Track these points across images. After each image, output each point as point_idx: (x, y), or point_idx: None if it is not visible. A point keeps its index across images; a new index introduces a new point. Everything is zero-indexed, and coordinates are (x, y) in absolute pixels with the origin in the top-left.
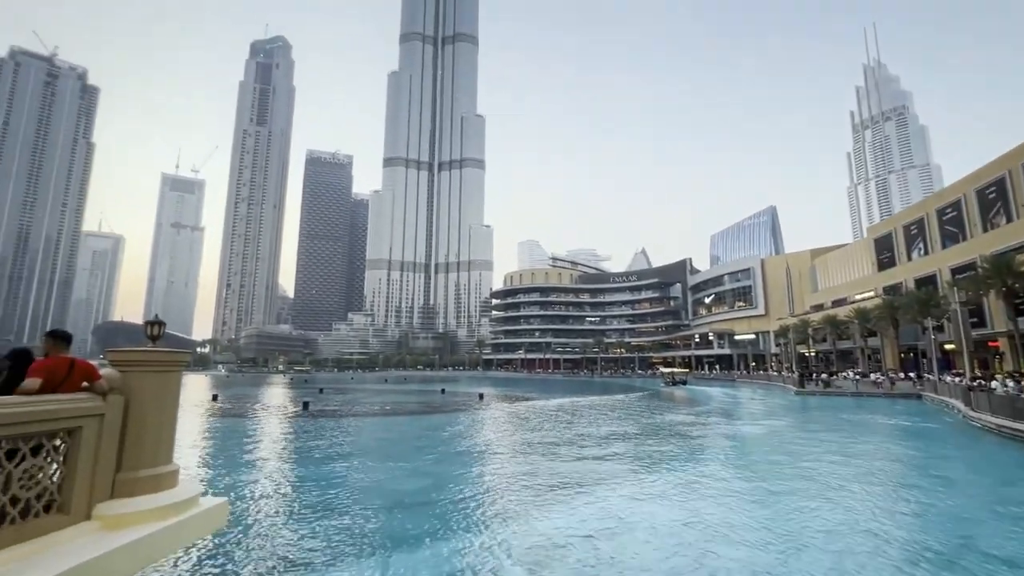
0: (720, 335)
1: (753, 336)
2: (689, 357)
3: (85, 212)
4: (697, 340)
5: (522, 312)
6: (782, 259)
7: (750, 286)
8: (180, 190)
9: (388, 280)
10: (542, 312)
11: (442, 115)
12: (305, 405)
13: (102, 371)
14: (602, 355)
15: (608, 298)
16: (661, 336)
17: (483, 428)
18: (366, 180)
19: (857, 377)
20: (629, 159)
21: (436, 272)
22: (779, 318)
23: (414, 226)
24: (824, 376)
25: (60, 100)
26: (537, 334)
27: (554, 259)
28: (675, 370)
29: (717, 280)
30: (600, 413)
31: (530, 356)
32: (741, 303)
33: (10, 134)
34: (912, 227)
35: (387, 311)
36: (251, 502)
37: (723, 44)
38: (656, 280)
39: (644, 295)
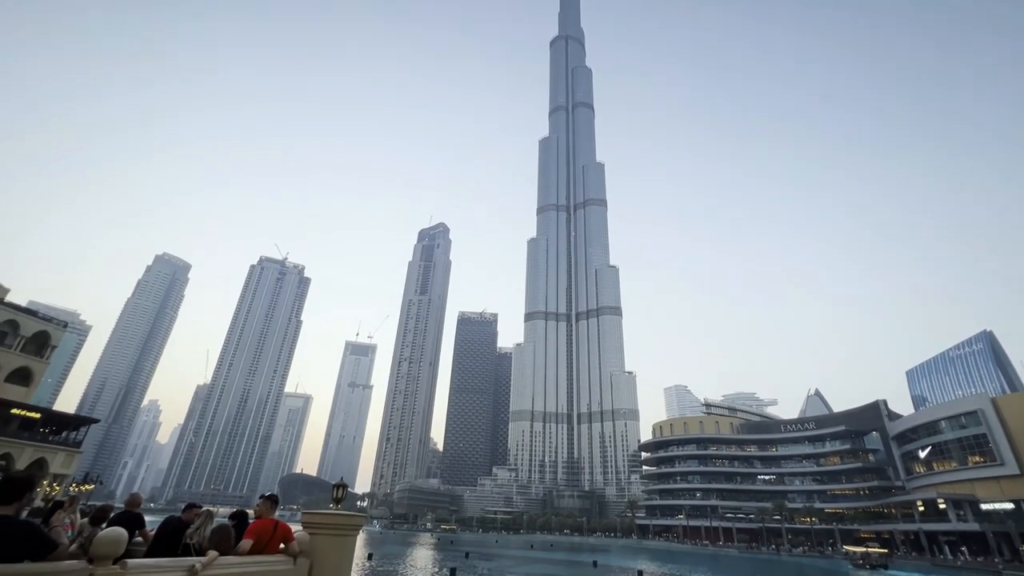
0: (956, 503)
1: (1010, 505)
2: (915, 532)
3: (288, 376)
4: (922, 509)
5: (677, 468)
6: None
7: (984, 434)
8: (358, 354)
9: (531, 432)
10: (702, 468)
11: (576, 270)
12: (452, 572)
13: (295, 533)
14: (787, 525)
15: (783, 451)
16: (865, 501)
17: None
18: (509, 335)
19: None
20: (784, 293)
21: (579, 423)
22: None
23: (555, 376)
24: None
25: (284, 291)
26: (699, 495)
27: (708, 405)
28: (871, 550)
29: (931, 427)
30: None
31: (693, 523)
32: (977, 458)
33: (250, 319)
34: None
35: (531, 465)
36: None
37: (883, 160)
38: (843, 428)
39: (830, 447)
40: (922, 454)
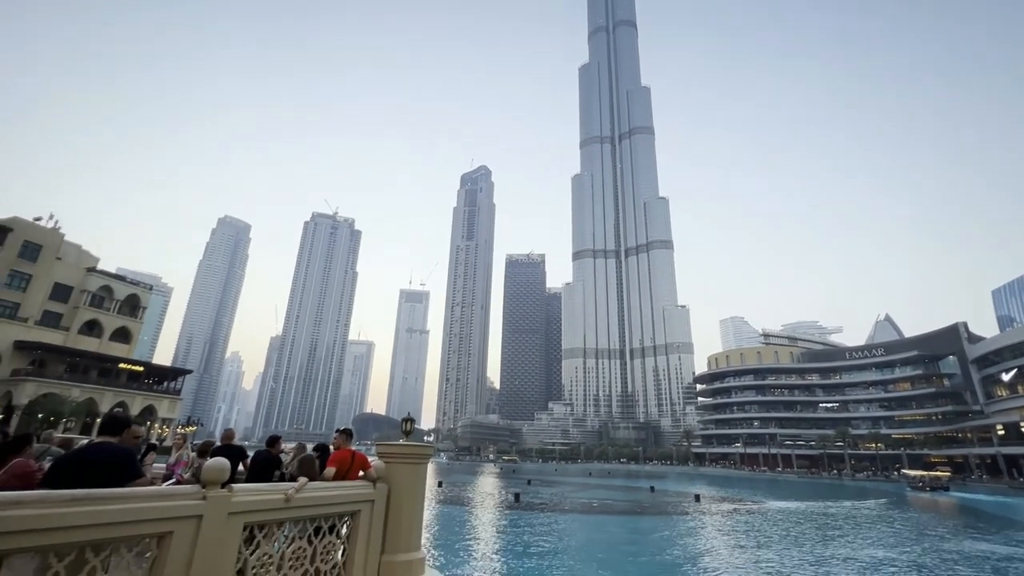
0: None
1: None
2: (992, 456)
3: (350, 325)
4: (1002, 433)
5: (734, 398)
6: None
7: None
8: (412, 301)
9: (584, 368)
10: (760, 398)
11: (624, 203)
12: (516, 496)
13: (372, 462)
14: (850, 451)
15: (847, 378)
16: (937, 427)
17: (707, 538)
18: (557, 274)
19: None
20: (850, 213)
21: (632, 358)
22: None
23: (605, 313)
24: None
25: (337, 244)
26: (756, 424)
27: (766, 335)
28: (936, 473)
29: (1019, 348)
30: (863, 527)
31: (750, 451)
32: None
33: (309, 273)
34: None
35: (585, 400)
36: None
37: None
38: (915, 353)
39: (900, 373)
40: (1006, 377)
